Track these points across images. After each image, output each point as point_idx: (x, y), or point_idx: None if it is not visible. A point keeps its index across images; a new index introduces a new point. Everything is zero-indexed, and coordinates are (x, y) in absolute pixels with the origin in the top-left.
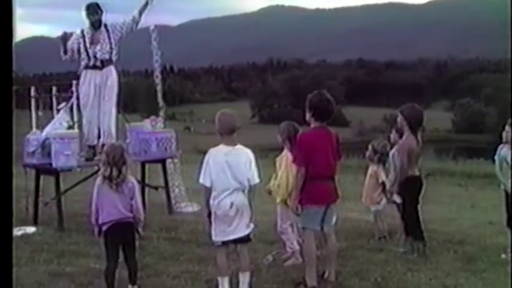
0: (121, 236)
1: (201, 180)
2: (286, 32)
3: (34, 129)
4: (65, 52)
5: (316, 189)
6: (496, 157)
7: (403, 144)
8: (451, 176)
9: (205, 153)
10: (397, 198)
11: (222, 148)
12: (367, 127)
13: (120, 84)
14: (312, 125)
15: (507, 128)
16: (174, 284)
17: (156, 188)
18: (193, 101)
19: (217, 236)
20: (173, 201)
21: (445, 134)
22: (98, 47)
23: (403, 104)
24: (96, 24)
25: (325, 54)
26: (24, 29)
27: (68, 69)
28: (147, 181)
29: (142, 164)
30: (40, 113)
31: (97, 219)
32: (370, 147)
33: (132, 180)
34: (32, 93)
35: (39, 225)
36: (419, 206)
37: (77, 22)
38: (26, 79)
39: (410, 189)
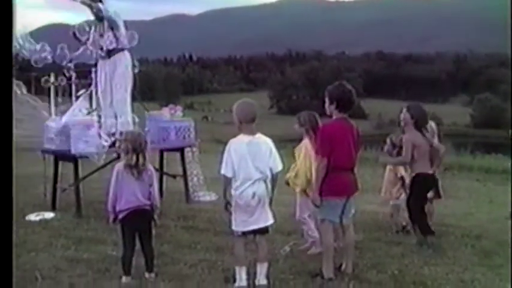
0: (138, 223)
1: (222, 171)
2: (306, 23)
3: (53, 116)
4: (82, 45)
5: (337, 180)
6: None
7: (406, 140)
8: (469, 171)
9: (223, 142)
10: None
11: (242, 138)
12: (385, 120)
13: (134, 71)
14: (334, 117)
15: None
16: (191, 273)
17: (174, 176)
18: (211, 91)
19: (238, 226)
20: (191, 190)
21: (463, 129)
22: (103, 38)
23: (421, 97)
24: (99, 16)
25: (344, 46)
26: (43, 16)
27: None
28: (165, 169)
29: (161, 152)
30: (59, 100)
31: (114, 206)
32: (388, 140)
33: (151, 168)
34: (52, 79)
35: (57, 211)
36: (434, 202)
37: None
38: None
39: (417, 186)
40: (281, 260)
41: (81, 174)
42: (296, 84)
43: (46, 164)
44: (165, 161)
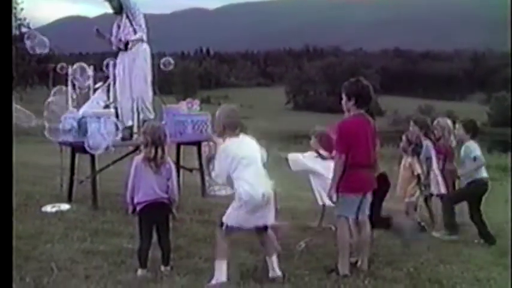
0: (155, 216)
1: (213, 177)
2: (324, 18)
3: (70, 108)
4: (99, 37)
5: (354, 177)
6: None
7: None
8: (486, 169)
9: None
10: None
11: (232, 141)
12: (402, 117)
13: (153, 64)
14: (352, 113)
15: None
16: (206, 267)
17: (190, 170)
18: (228, 85)
19: (237, 222)
20: (207, 184)
21: (480, 127)
22: (121, 31)
23: (438, 94)
24: (117, 9)
25: (362, 42)
26: (60, 8)
27: (104, 49)
28: (181, 163)
29: (178, 146)
30: (77, 92)
31: (132, 198)
32: (404, 138)
33: (170, 162)
34: (69, 72)
35: (74, 203)
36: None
37: None
38: (62, 58)
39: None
40: (296, 256)
41: (97, 166)
42: (313, 79)
43: (63, 156)
44: (181, 155)
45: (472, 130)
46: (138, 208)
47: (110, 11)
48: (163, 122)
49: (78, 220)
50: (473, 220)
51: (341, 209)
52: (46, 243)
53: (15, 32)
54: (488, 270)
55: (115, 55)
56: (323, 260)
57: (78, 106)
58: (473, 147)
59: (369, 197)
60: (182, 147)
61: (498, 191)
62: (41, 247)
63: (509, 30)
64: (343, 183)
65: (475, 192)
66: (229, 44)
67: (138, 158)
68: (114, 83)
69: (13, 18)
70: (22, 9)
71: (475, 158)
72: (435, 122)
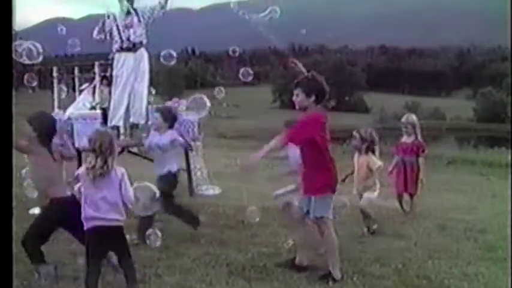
0: (105, 242)
1: None
2: (308, 16)
3: (56, 110)
4: (99, 32)
5: (330, 175)
6: None
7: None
8: (472, 165)
9: (226, 137)
10: None
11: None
12: (388, 114)
13: (151, 66)
14: (310, 110)
15: None
16: (194, 266)
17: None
18: (214, 85)
19: None
20: (194, 184)
21: (466, 123)
22: (131, 31)
23: (425, 91)
24: (127, 9)
25: (347, 39)
26: (46, 10)
27: (89, 51)
28: None
29: None
30: (62, 94)
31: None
32: (357, 135)
33: (117, 170)
34: (55, 73)
35: None
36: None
37: (99, 4)
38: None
39: None
40: (284, 254)
41: None
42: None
43: None
44: None
45: None
46: (85, 226)
47: (94, 12)
48: (149, 122)
49: None
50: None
51: (322, 209)
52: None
53: None
54: (476, 265)
55: (100, 56)
56: (311, 258)
57: (63, 107)
58: None
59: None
60: None
61: (484, 186)
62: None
63: (509, 26)
64: (322, 182)
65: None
66: (214, 44)
67: (81, 167)
68: (109, 84)
69: None
70: None
71: None
72: (404, 118)
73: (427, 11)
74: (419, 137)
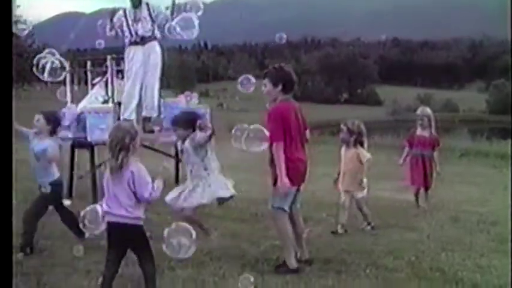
0: (123, 241)
1: None
2: (321, 9)
3: (69, 103)
4: (111, 29)
5: (292, 168)
6: None
7: None
8: (485, 157)
9: None
10: None
11: None
12: (401, 106)
13: (163, 60)
14: (280, 99)
15: None
16: (207, 259)
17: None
18: (226, 78)
19: None
20: None
21: (479, 115)
22: (140, 25)
23: (437, 83)
24: (136, 3)
25: (360, 32)
26: (56, 4)
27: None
28: (180, 156)
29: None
30: (75, 88)
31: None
32: (344, 128)
33: (133, 165)
34: (67, 68)
35: (74, 199)
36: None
37: None
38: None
39: None
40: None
41: (97, 161)
42: (311, 70)
43: (62, 152)
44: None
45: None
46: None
47: (106, 6)
48: (162, 116)
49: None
50: None
51: (278, 201)
52: (47, 239)
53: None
54: (489, 257)
55: (112, 50)
56: (323, 251)
57: (76, 101)
58: None
59: (302, 190)
60: None
61: (497, 178)
62: (41, 243)
63: (509, 18)
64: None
65: None
66: (226, 37)
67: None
68: (122, 77)
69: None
70: (18, 6)
71: None
72: (419, 111)
73: (439, 3)
74: (433, 131)
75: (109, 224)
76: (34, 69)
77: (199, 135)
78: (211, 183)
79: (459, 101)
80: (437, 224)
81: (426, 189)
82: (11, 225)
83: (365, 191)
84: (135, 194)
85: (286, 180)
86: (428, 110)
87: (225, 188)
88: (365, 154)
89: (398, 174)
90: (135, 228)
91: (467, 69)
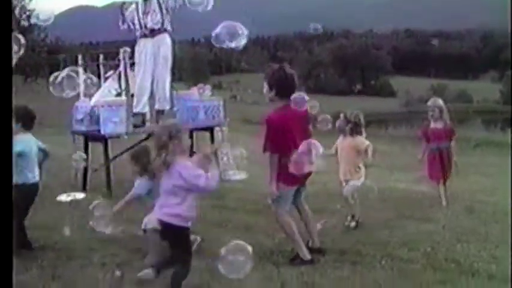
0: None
1: None
2: (334, 1)
3: (82, 97)
4: (123, 22)
5: (289, 172)
6: None
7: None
8: (499, 147)
9: (251, 122)
10: None
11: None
12: (414, 97)
13: (174, 52)
14: (278, 104)
15: None
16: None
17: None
18: (239, 70)
19: None
20: (221, 169)
21: (493, 105)
22: (149, 17)
23: (451, 74)
24: None
25: (372, 23)
26: None
27: (114, 38)
28: (194, 149)
29: (191, 132)
30: (88, 81)
31: None
32: (341, 116)
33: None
34: (79, 61)
35: (88, 192)
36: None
37: None
38: (72, 48)
39: None
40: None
41: (111, 155)
42: (324, 62)
43: (76, 145)
44: (194, 141)
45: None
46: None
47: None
48: (175, 109)
49: None
50: None
51: (279, 203)
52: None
53: (24, 23)
54: (504, 249)
55: (125, 43)
56: (338, 242)
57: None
58: None
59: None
60: (195, 133)
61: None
62: (57, 236)
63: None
64: (279, 178)
65: None
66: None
67: None
68: (126, 71)
69: (21, 10)
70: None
71: None
72: (430, 102)
73: None
74: (448, 122)
75: (158, 221)
76: (51, 88)
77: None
78: None
79: (473, 91)
80: (452, 214)
81: (445, 182)
82: (11, 225)
83: (362, 179)
84: (189, 189)
85: (273, 189)
86: (439, 101)
87: None
88: (363, 141)
89: (412, 165)
90: (170, 226)
91: (481, 60)
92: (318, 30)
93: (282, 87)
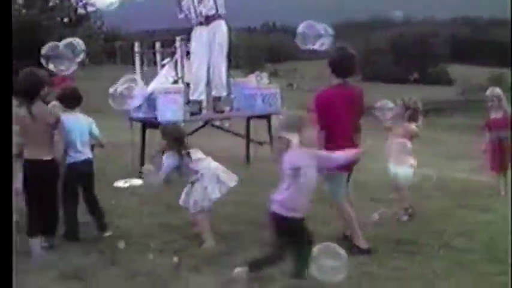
0: None
1: None
2: None
3: (140, 84)
4: (180, 11)
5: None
6: None
7: None
8: None
9: (309, 110)
10: None
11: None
12: (472, 86)
13: (230, 39)
14: (333, 82)
15: None
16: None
17: (260, 143)
18: (297, 58)
19: None
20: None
21: None
22: (202, 5)
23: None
24: None
25: (430, 11)
26: None
27: (170, 26)
28: (252, 136)
29: (248, 119)
30: (145, 68)
31: None
32: (400, 102)
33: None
34: (136, 48)
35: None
36: None
37: None
38: (129, 35)
39: None
40: (370, 227)
41: None
42: (380, 50)
43: (133, 132)
44: (252, 128)
45: None
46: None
47: None
48: (232, 96)
49: (150, 195)
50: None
51: (335, 188)
52: (120, 218)
53: (81, 11)
54: None
55: (181, 31)
56: (396, 232)
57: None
58: None
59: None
60: (252, 120)
61: None
62: (115, 222)
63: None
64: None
65: None
66: (295, 17)
67: None
68: (188, 58)
69: None
70: None
71: None
72: (488, 91)
73: None
74: (508, 110)
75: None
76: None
77: None
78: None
79: None
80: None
81: (505, 172)
82: (11, 225)
83: (411, 169)
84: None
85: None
86: (498, 90)
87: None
88: (412, 128)
89: (470, 154)
90: (278, 216)
91: None
92: (399, 17)
93: (340, 66)
